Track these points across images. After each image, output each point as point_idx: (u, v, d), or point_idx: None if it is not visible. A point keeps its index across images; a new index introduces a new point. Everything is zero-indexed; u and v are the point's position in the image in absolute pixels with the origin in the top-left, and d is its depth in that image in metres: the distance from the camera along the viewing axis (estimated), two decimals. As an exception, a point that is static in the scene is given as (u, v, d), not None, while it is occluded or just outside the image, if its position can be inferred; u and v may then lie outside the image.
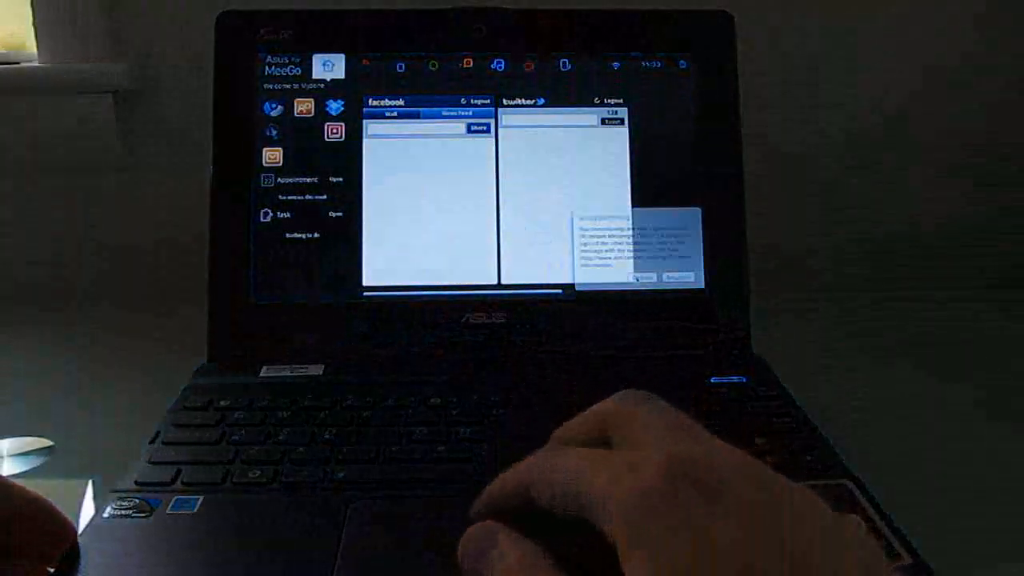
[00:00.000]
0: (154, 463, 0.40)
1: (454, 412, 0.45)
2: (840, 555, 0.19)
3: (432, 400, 0.46)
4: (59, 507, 0.31)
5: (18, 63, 0.77)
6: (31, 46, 0.76)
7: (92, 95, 0.75)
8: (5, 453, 0.48)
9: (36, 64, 0.76)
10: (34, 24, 0.75)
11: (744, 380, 0.50)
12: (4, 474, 0.45)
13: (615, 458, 0.23)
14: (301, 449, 0.41)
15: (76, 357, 0.64)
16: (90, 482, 0.42)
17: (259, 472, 0.39)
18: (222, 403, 0.46)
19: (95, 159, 0.77)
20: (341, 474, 0.39)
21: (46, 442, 0.49)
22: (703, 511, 0.20)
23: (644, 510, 0.20)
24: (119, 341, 0.67)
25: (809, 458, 0.40)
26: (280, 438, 0.42)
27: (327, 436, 0.42)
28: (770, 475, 0.22)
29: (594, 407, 0.26)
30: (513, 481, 0.25)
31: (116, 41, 0.75)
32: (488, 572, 0.23)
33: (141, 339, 0.66)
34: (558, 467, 0.24)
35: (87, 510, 0.40)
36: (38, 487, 0.31)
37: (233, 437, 0.42)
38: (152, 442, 0.42)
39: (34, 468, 0.46)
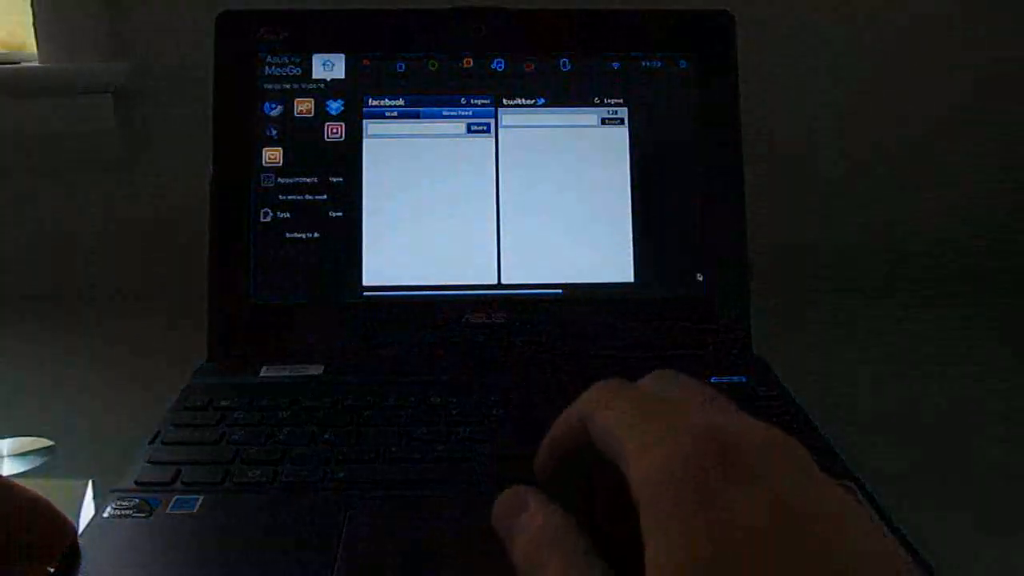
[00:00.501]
0: (154, 463, 0.40)
1: (454, 412, 0.45)
2: (871, 555, 0.19)
3: (432, 400, 0.46)
4: (59, 507, 0.31)
5: (18, 63, 0.77)
6: (31, 46, 0.76)
7: (92, 95, 0.75)
8: (5, 453, 0.48)
9: (36, 64, 0.76)
10: (34, 24, 0.75)
11: (744, 380, 0.50)
12: (4, 474, 0.45)
13: (661, 418, 0.22)
14: (301, 449, 0.41)
15: (76, 357, 0.64)
16: (90, 482, 0.42)
17: (259, 472, 0.39)
18: (222, 403, 0.45)
19: (95, 159, 0.77)
20: (341, 474, 0.39)
21: (46, 442, 0.49)
22: (730, 489, 0.19)
23: (669, 482, 0.20)
24: (119, 341, 0.67)
25: (809, 458, 0.40)
26: (280, 438, 0.42)
27: (327, 436, 0.42)
28: (804, 458, 0.21)
29: (631, 386, 0.25)
30: (574, 413, 0.25)
31: (116, 41, 0.75)
32: (516, 534, 0.23)
33: (141, 339, 0.66)
34: (613, 407, 0.23)
35: (87, 510, 0.40)
36: (38, 487, 0.31)
37: (233, 437, 0.42)
38: (152, 442, 0.42)
39: (34, 468, 0.46)
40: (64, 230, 0.78)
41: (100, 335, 0.68)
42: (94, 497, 0.41)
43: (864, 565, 0.19)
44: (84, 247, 0.78)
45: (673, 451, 0.20)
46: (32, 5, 0.75)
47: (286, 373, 0.50)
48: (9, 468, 0.46)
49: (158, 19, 0.75)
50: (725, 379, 0.50)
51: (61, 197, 0.78)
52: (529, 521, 0.23)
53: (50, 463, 0.47)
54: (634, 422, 0.22)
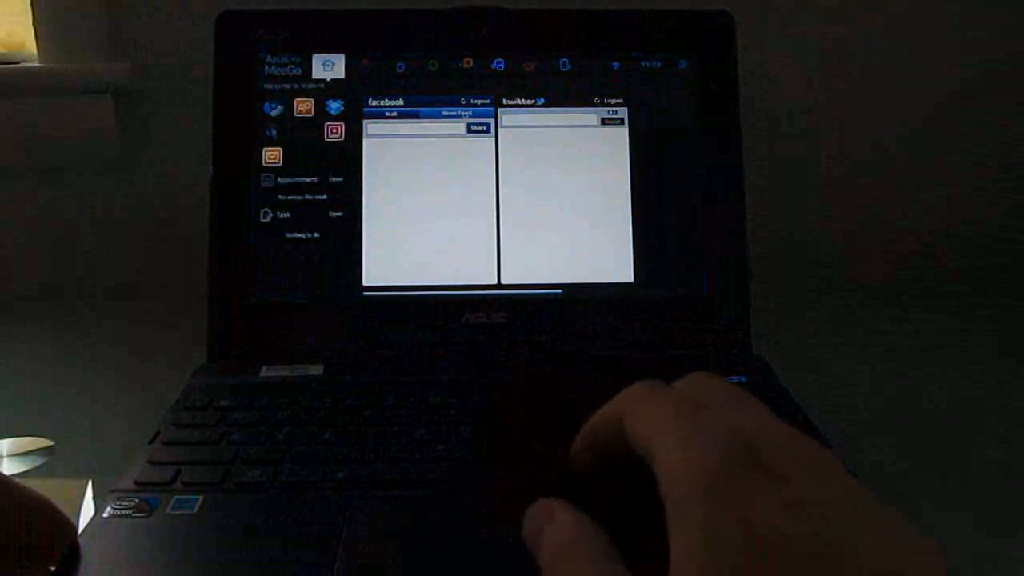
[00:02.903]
0: (154, 463, 0.39)
1: (454, 412, 0.45)
2: (901, 558, 0.19)
3: (432, 400, 0.46)
4: (59, 507, 0.31)
5: (18, 63, 0.77)
6: (31, 46, 0.76)
7: (92, 95, 0.75)
8: (5, 453, 0.48)
9: (36, 64, 0.76)
10: (34, 24, 0.75)
11: (744, 380, 0.50)
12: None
13: (693, 419, 0.22)
14: (301, 449, 0.41)
15: (76, 357, 0.64)
16: (90, 482, 0.42)
17: (259, 472, 0.39)
18: (222, 403, 0.45)
19: (95, 159, 0.77)
20: (341, 474, 0.39)
21: (46, 442, 0.49)
22: (756, 493, 0.20)
23: (697, 482, 0.20)
24: (119, 341, 0.67)
25: (809, 458, 0.40)
26: (280, 438, 0.42)
27: (327, 436, 0.42)
28: (832, 463, 0.21)
29: (669, 388, 0.26)
30: (611, 410, 0.25)
31: (116, 41, 0.75)
32: (542, 545, 0.24)
33: (141, 339, 0.67)
34: (647, 406, 0.24)
35: (87, 510, 0.40)
36: (38, 487, 0.31)
37: (233, 437, 0.42)
38: (152, 442, 0.42)
39: (34, 468, 0.46)
40: (64, 230, 0.78)
41: (100, 335, 0.68)
42: (94, 497, 0.41)
43: (893, 569, 0.19)
44: (84, 247, 0.78)
45: (703, 452, 0.21)
46: (32, 5, 0.75)
47: (286, 373, 0.50)
48: (9, 468, 0.46)
49: (158, 19, 0.75)
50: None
51: (61, 197, 0.78)
52: (554, 531, 0.24)
53: (50, 463, 0.47)
54: (667, 422, 0.22)
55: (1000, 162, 0.80)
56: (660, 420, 0.23)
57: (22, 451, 0.48)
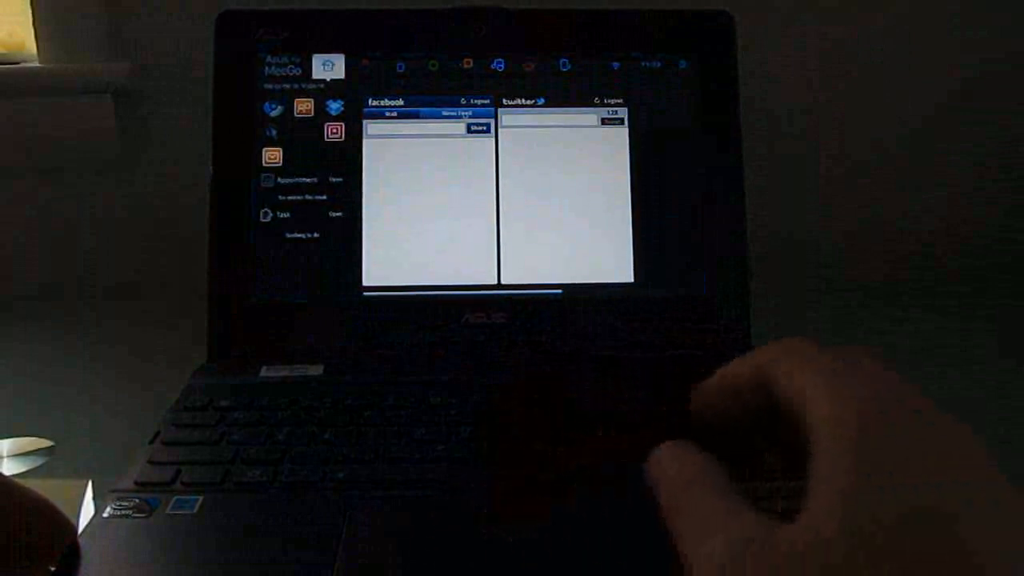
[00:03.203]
0: (154, 463, 0.39)
1: (454, 412, 0.45)
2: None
3: (432, 400, 0.46)
4: (59, 507, 0.31)
5: (18, 63, 0.77)
6: (31, 46, 0.76)
7: (92, 95, 0.75)
8: (5, 453, 0.48)
9: (36, 64, 0.76)
10: (34, 24, 0.75)
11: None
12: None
13: (854, 375, 0.23)
14: (301, 449, 0.41)
15: (76, 357, 0.64)
16: (90, 482, 0.42)
17: (259, 472, 0.39)
18: (222, 403, 0.45)
19: (95, 159, 0.77)
20: (341, 474, 0.39)
21: (46, 442, 0.49)
22: (908, 469, 0.20)
23: (853, 450, 0.20)
24: (119, 341, 0.67)
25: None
26: (280, 438, 0.42)
27: (327, 436, 0.42)
28: (978, 447, 0.23)
29: (824, 347, 0.25)
30: (758, 359, 0.26)
31: (116, 41, 0.75)
32: (665, 476, 0.24)
33: (141, 339, 0.67)
34: (808, 361, 0.24)
35: (87, 510, 0.40)
36: (38, 487, 0.31)
37: (233, 437, 0.42)
38: (152, 442, 0.42)
39: (34, 468, 0.46)
40: (64, 230, 0.78)
41: (100, 335, 0.68)
42: (94, 497, 0.41)
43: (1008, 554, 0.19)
44: (84, 247, 0.78)
45: (858, 413, 0.21)
46: (32, 5, 0.75)
47: (286, 373, 0.50)
48: (9, 468, 0.46)
49: (158, 19, 0.75)
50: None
51: (61, 197, 0.78)
52: (680, 462, 0.24)
53: (50, 463, 0.47)
54: (823, 376, 0.23)
55: (1000, 162, 0.80)
56: (817, 372, 0.23)
57: (22, 451, 0.48)
